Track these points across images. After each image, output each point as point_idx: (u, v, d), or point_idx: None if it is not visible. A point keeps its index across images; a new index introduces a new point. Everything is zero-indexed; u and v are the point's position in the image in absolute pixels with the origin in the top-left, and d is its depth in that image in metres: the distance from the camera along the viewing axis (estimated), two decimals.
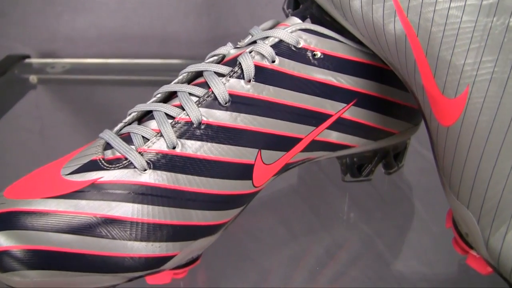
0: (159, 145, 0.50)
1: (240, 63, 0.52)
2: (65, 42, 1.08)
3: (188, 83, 0.55)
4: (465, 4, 0.46)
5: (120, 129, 0.53)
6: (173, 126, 0.51)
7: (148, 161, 0.49)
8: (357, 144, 0.61)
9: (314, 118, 0.56)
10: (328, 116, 0.57)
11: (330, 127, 0.58)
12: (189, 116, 0.51)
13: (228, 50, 0.55)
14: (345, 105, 0.58)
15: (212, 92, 0.52)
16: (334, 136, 0.59)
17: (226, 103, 0.51)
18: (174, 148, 0.50)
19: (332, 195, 0.70)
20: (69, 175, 0.50)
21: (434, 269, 0.60)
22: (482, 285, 0.55)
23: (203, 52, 1.00)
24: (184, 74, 0.55)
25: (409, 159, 0.71)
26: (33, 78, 1.04)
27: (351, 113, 0.59)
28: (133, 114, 0.54)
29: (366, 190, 0.69)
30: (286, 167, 0.58)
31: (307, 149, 0.58)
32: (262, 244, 0.63)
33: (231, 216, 0.54)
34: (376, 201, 0.70)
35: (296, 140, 0.56)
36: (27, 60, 1.08)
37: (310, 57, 0.55)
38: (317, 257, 0.62)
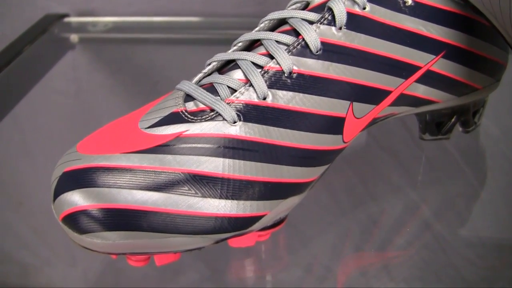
0: (249, 96, 0.47)
1: (331, 9, 0.49)
2: (103, 1, 1.04)
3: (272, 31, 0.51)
4: None
5: (200, 80, 0.49)
6: (262, 76, 0.47)
7: (238, 113, 0.46)
8: (442, 99, 0.59)
9: (404, 70, 0.53)
10: (417, 68, 0.54)
11: (418, 80, 0.55)
12: (279, 65, 0.48)
13: None
14: (434, 56, 0.55)
15: (303, 39, 0.48)
16: (421, 90, 0.56)
17: (317, 52, 0.48)
18: (264, 99, 0.47)
19: (382, 167, 0.67)
20: (149, 129, 0.46)
21: (481, 237, 0.58)
22: None
23: (249, 10, 0.97)
24: (266, 22, 0.51)
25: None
26: (74, 38, 1.01)
27: (439, 65, 0.56)
28: (213, 63, 0.50)
29: (417, 161, 0.67)
30: (373, 122, 0.55)
31: (395, 103, 0.55)
32: (309, 220, 0.60)
33: (319, 174, 0.52)
34: (432, 173, 0.67)
35: (386, 93, 0.53)
36: (66, 19, 1.04)
37: (401, 5, 0.52)
38: (366, 233, 0.59)
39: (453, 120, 0.63)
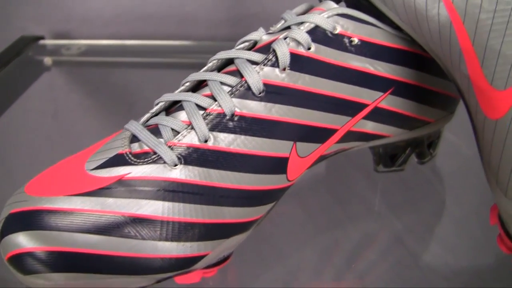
0: (190, 139, 0.48)
1: (274, 50, 0.49)
2: (80, 22, 1.06)
3: (218, 71, 0.51)
4: None
5: (147, 120, 0.50)
6: (204, 118, 0.48)
7: (179, 156, 0.47)
8: (393, 134, 0.59)
9: (350, 108, 0.54)
10: (364, 105, 0.55)
11: (366, 117, 0.55)
12: (221, 107, 0.48)
13: (260, 35, 0.52)
14: (382, 94, 0.55)
15: (246, 82, 0.49)
16: (370, 127, 0.57)
17: (260, 93, 0.49)
18: (206, 141, 0.48)
19: (359, 187, 0.67)
20: (94, 170, 0.47)
21: (463, 263, 0.59)
22: None
23: (222, 32, 0.98)
24: (214, 61, 0.52)
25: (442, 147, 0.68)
26: (47, 60, 1.02)
27: (387, 102, 0.56)
28: (160, 104, 0.51)
29: (393, 181, 0.67)
30: (320, 159, 0.56)
31: (342, 140, 0.55)
32: (287, 238, 0.61)
33: (264, 212, 0.52)
34: (406, 192, 0.67)
35: (332, 131, 0.54)
36: (41, 42, 1.05)
37: (347, 44, 0.52)
38: (343, 251, 0.60)
39: (407, 152, 0.64)
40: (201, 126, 0.47)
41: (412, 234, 0.62)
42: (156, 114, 0.51)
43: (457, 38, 0.47)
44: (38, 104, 0.92)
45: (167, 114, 0.51)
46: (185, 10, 1.04)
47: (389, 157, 0.64)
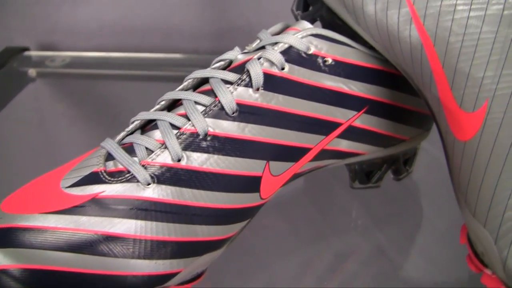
0: (164, 158, 0.48)
1: (248, 71, 0.50)
2: (65, 34, 1.06)
3: (194, 90, 0.52)
4: (485, 14, 0.44)
5: (123, 138, 0.51)
6: (178, 138, 0.49)
7: (152, 175, 0.47)
8: (367, 151, 0.60)
9: (324, 127, 0.54)
10: (338, 124, 0.55)
11: (340, 136, 0.56)
12: (195, 127, 0.49)
13: (236, 55, 0.53)
14: (356, 112, 0.56)
15: (219, 102, 0.50)
16: (344, 145, 0.57)
17: (233, 113, 0.49)
18: (179, 161, 0.48)
19: (342, 199, 0.68)
20: (69, 188, 0.48)
21: (445, 275, 0.60)
22: None
23: (207, 46, 0.99)
24: (189, 80, 0.52)
25: (420, 161, 0.69)
26: (32, 72, 1.02)
27: (362, 121, 0.57)
28: (136, 122, 0.51)
29: (376, 194, 0.67)
30: (294, 177, 0.56)
31: (316, 158, 0.56)
32: (269, 250, 0.61)
33: (237, 230, 0.53)
34: (386, 206, 0.68)
35: (305, 150, 0.54)
36: (26, 53, 1.05)
37: (321, 64, 0.53)
38: (326, 263, 0.60)
39: (383, 169, 0.64)
40: (174, 145, 0.48)
41: (394, 246, 0.62)
42: (132, 132, 0.51)
43: (428, 60, 0.48)
44: (23, 114, 0.93)
45: (143, 132, 0.51)
46: (170, 23, 1.04)
47: (365, 174, 0.64)
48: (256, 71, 0.50)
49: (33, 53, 1.07)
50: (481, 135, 0.46)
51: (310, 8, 0.59)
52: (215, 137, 0.49)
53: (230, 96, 0.50)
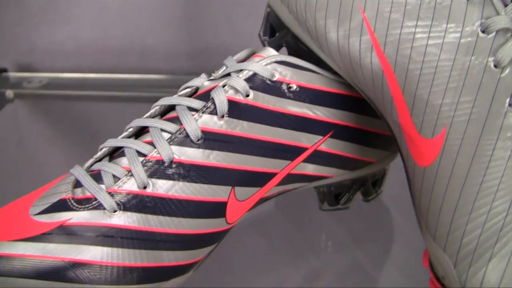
0: (130, 185, 0.49)
1: (213, 98, 0.51)
2: (42, 55, 1.07)
3: (162, 116, 0.53)
4: (443, 42, 0.46)
5: (91, 165, 0.52)
6: (144, 165, 0.49)
7: (118, 202, 0.48)
8: (334, 174, 0.60)
9: (289, 152, 0.55)
10: (304, 149, 0.56)
11: (306, 160, 0.57)
12: (160, 155, 0.49)
13: (202, 82, 0.54)
14: (321, 137, 0.57)
15: (184, 129, 0.50)
16: (310, 169, 0.58)
17: (198, 140, 0.50)
18: (145, 188, 0.49)
19: (318, 216, 0.69)
20: (37, 215, 0.48)
21: (418, 282, 0.60)
22: None
23: (183, 66, 0.99)
24: (157, 107, 0.53)
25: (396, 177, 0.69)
26: (9, 93, 1.02)
27: (327, 145, 0.57)
28: (104, 149, 0.52)
29: (352, 211, 0.68)
30: (261, 201, 0.57)
31: (283, 182, 0.57)
32: (249, 267, 0.63)
33: (204, 254, 0.53)
34: (363, 222, 0.69)
35: (271, 175, 0.55)
36: (3, 74, 1.06)
37: (285, 90, 0.54)
38: (304, 280, 0.62)
39: (351, 191, 0.65)
40: (140, 173, 0.49)
41: (371, 262, 0.63)
42: (101, 159, 0.52)
43: (389, 87, 0.49)
44: (1, 135, 0.93)
45: (111, 159, 0.52)
46: (146, 44, 1.05)
47: (334, 195, 0.65)
48: (221, 99, 0.51)
49: (11, 74, 1.07)
50: (439, 161, 0.47)
51: (277, 34, 0.59)
52: (180, 164, 0.50)
53: (194, 124, 0.50)
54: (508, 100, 0.45)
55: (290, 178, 0.57)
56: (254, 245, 0.65)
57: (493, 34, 0.46)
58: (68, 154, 0.88)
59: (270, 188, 0.56)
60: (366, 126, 0.60)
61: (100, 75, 1.06)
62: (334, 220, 0.69)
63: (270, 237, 0.67)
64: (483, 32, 0.46)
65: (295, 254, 0.64)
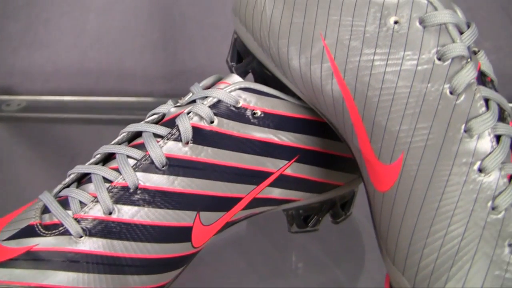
0: (96, 211, 0.50)
1: (177, 125, 0.52)
2: (21, 77, 1.08)
3: (129, 142, 0.54)
4: (400, 69, 0.47)
5: (60, 191, 0.52)
6: (109, 191, 0.50)
7: (84, 228, 0.49)
8: (302, 198, 0.61)
9: (254, 177, 0.56)
10: (269, 174, 0.57)
11: (271, 184, 0.58)
12: (125, 181, 0.50)
13: (168, 108, 0.55)
14: (286, 162, 0.57)
15: (149, 156, 0.51)
16: (276, 193, 0.59)
17: (163, 167, 0.51)
18: (110, 214, 0.50)
19: (298, 236, 0.69)
20: (5, 241, 0.49)
21: None
22: None
23: (160, 88, 1.01)
24: (124, 134, 0.54)
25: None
26: None
27: (293, 169, 0.58)
28: (72, 175, 0.53)
29: (332, 230, 0.69)
30: (227, 226, 0.58)
31: (249, 206, 0.58)
32: (224, 276, 0.63)
33: (171, 278, 0.54)
34: (343, 241, 0.70)
35: (236, 200, 0.56)
36: None
37: (250, 116, 0.54)
38: None
39: (320, 213, 0.66)
40: (106, 199, 0.50)
41: (352, 281, 0.65)
42: (69, 185, 0.53)
43: (349, 113, 0.50)
44: None
45: (79, 185, 0.53)
46: (123, 66, 1.06)
47: (303, 218, 0.66)
48: (185, 126, 0.52)
49: None
50: (397, 186, 0.48)
51: (243, 60, 0.61)
52: (145, 190, 0.51)
53: (159, 150, 0.51)
54: (463, 126, 0.46)
55: (257, 202, 0.58)
56: (231, 264, 0.65)
57: (449, 61, 0.47)
58: (47, 177, 0.89)
59: (236, 212, 0.57)
60: (331, 150, 0.61)
61: (78, 98, 1.07)
62: (310, 238, 0.69)
63: (248, 255, 0.68)
64: (439, 59, 0.47)
65: (275, 273, 0.65)
